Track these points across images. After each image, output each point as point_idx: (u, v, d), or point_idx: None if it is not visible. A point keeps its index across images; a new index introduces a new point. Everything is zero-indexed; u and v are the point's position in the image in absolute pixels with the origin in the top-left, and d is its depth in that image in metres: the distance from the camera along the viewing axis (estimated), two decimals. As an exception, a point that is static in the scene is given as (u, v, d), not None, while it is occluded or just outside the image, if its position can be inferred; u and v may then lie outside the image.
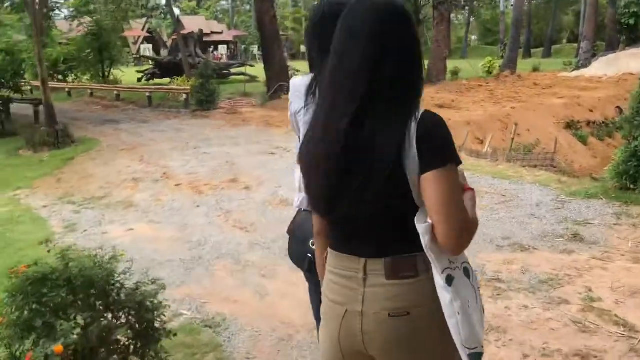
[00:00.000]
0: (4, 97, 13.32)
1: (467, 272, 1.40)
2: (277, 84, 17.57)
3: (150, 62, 24.86)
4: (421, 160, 1.27)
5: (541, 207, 5.81)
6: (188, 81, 16.91)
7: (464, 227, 1.32)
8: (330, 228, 1.49)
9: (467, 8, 47.84)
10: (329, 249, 1.50)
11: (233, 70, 23.29)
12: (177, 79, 18.29)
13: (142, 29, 53.58)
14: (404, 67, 1.35)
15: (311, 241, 1.89)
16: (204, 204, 6.43)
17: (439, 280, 1.33)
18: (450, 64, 23.33)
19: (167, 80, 21.24)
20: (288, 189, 6.71)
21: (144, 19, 63.83)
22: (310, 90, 1.92)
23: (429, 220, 1.31)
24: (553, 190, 6.38)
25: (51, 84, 23.23)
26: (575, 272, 4.16)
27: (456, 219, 1.30)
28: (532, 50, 45.95)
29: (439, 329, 1.35)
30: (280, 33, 57.90)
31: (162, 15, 79.97)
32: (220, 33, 58.17)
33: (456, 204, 1.31)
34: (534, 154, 8.60)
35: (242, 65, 22.88)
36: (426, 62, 21.45)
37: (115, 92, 19.32)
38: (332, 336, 1.46)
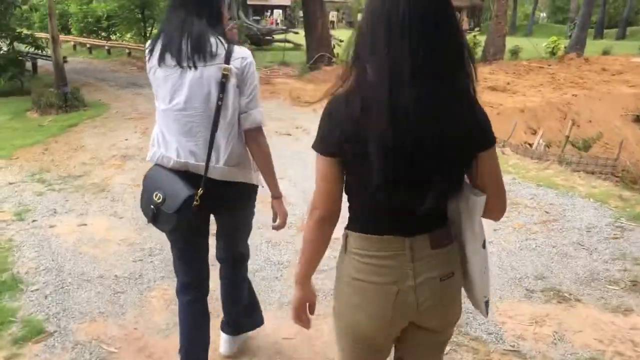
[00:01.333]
0: (11, 53, 12.58)
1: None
2: (317, 54, 16.40)
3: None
4: (483, 138, 1.40)
5: (593, 233, 4.56)
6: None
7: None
8: (369, 212, 1.48)
9: (537, -18, 44.89)
10: (360, 235, 1.49)
11: (276, 37, 22.15)
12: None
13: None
14: None
15: (155, 193, 2.13)
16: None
17: (476, 245, 1.53)
18: (511, 42, 21.43)
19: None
20: (290, 182, 5.67)
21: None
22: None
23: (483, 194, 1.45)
24: (610, 210, 5.08)
25: (91, 41, 22.88)
26: (632, 349, 2.97)
27: (504, 191, 1.50)
28: (605, 31, 42.53)
29: (461, 285, 1.60)
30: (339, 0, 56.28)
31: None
32: (279, -3, 57.17)
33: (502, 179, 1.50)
34: (592, 158, 7.19)
35: (286, 31, 21.67)
36: (483, 39, 19.72)
37: (151, 53, 18.54)
38: (382, 316, 1.50)
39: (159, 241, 4.17)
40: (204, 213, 2.28)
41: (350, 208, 1.51)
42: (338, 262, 1.58)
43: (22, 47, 13.22)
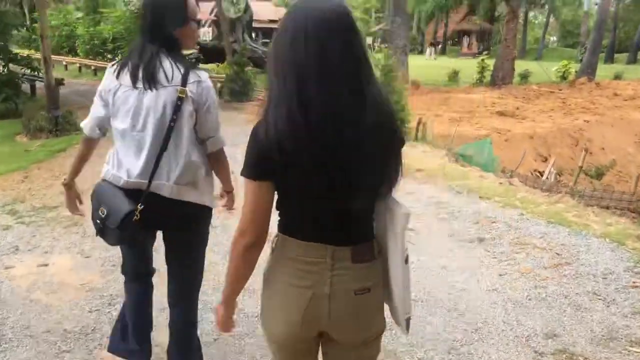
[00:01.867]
0: (4, 74, 12.31)
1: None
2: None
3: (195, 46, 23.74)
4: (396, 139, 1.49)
5: (610, 280, 4.07)
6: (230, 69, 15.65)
7: None
8: (297, 219, 1.54)
9: (546, 6, 44.62)
10: (290, 239, 1.54)
11: (282, 60, 21.87)
12: (219, 66, 17.10)
13: (210, 13, 53.26)
14: None
15: (99, 208, 2.24)
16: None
17: (397, 259, 1.54)
18: (521, 66, 21.09)
19: (212, 66, 20.11)
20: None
21: (213, 2, 63.79)
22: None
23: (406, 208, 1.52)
24: (629, 252, 4.59)
25: (96, 63, 22.72)
26: None
27: None
28: (615, 56, 42.14)
29: (382, 303, 1.62)
30: (347, 23, 56.67)
31: (234, 1, 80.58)
32: (288, 20, 57.32)
33: None
34: (606, 191, 6.71)
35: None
36: (492, 63, 19.35)
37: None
38: (293, 319, 1.54)
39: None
40: (152, 232, 2.51)
41: (279, 214, 1.56)
42: (265, 266, 1.61)
43: (19, 69, 12.98)
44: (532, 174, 9.40)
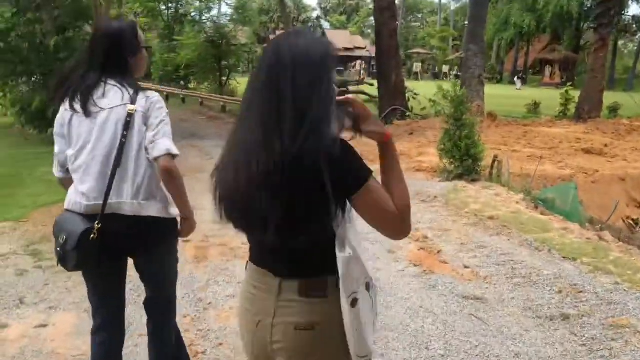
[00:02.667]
0: None
1: (368, 286, 1.57)
2: (390, 107, 15.34)
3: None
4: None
5: None
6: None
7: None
8: (255, 248, 1.62)
9: (638, 34, 41.94)
10: (250, 264, 1.64)
11: (351, 89, 21.37)
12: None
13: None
14: None
15: (60, 236, 2.23)
16: (195, 281, 4.45)
17: (344, 303, 1.48)
18: (609, 98, 19.43)
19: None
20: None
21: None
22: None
23: (349, 252, 1.48)
24: None
25: (169, 90, 23.08)
26: None
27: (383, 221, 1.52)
28: None
29: (339, 342, 1.52)
30: (424, 51, 55.60)
31: (312, 29, 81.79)
32: (363, 48, 57.34)
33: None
34: None
35: (360, 82, 20.83)
36: (577, 95, 17.91)
37: (222, 103, 18.25)
38: (247, 340, 1.64)
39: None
40: (115, 254, 2.35)
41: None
42: None
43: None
44: (624, 221, 8.15)
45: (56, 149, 2.36)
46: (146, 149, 2.27)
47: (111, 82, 2.29)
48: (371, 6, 17.44)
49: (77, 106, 2.25)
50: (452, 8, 65.76)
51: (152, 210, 2.30)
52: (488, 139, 11.17)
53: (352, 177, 1.44)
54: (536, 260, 5.11)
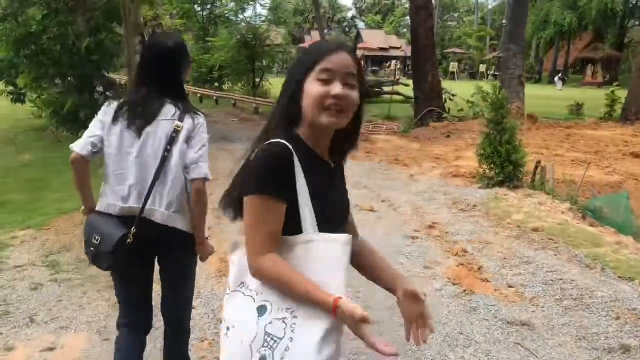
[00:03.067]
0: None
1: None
2: (426, 108, 14.88)
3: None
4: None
5: None
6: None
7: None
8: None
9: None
10: None
11: (386, 89, 20.91)
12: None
13: (322, 42, 53.62)
14: None
15: (94, 236, 2.34)
16: (216, 299, 4.17)
17: None
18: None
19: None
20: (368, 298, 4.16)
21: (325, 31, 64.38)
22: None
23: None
24: None
25: (203, 91, 23.06)
26: None
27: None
28: None
29: None
30: (460, 51, 54.53)
31: (347, 29, 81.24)
32: (399, 48, 56.63)
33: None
34: None
35: (395, 83, 20.34)
36: (623, 95, 17.08)
37: (254, 105, 18.05)
38: None
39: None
40: (144, 257, 2.50)
41: None
42: None
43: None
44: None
45: (92, 132, 2.41)
46: (186, 167, 2.39)
47: (164, 96, 2.40)
48: (407, 6, 17.04)
49: (128, 115, 2.38)
50: (490, 7, 64.42)
51: (180, 223, 2.41)
52: (529, 143, 10.63)
53: (247, 181, 1.47)
54: (588, 280, 4.66)
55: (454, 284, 4.61)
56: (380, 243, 5.52)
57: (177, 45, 2.44)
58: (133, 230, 2.32)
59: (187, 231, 2.44)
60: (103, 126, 2.40)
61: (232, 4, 25.50)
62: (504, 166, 7.89)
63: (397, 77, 22.78)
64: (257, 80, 21.66)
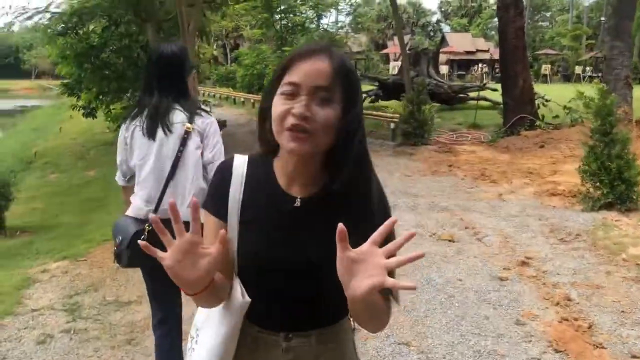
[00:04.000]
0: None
1: None
2: (516, 115, 13.47)
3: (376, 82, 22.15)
4: None
5: None
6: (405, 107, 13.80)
7: None
8: None
9: None
10: None
11: (472, 95, 19.45)
12: (396, 104, 15.38)
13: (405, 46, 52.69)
14: None
15: (117, 237, 2.52)
16: None
17: None
18: None
19: (391, 103, 18.52)
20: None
21: (409, 35, 63.24)
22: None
23: None
24: None
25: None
26: None
27: None
28: None
29: None
30: (553, 52, 51.56)
31: (431, 33, 79.31)
32: (486, 51, 54.38)
33: None
34: None
35: (481, 87, 18.85)
36: None
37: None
38: None
39: None
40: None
41: None
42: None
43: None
44: None
45: (118, 158, 2.64)
46: (204, 167, 2.53)
47: (173, 101, 2.52)
48: (494, 7, 15.64)
49: (142, 122, 2.51)
50: (587, 4, 60.46)
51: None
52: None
53: None
54: None
55: (557, 351, 3.53)
56: (459, 287, 4.52)
57: (180, 50, 2.60)
58: (148, 227, 2.41)
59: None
60: (125, 143, 2.57)
61: (310, 12, 24.99)
62: (613, 185, 6.58)
63: (484, 82, 21.19)
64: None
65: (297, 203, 1.30)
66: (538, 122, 13.47)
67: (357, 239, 1.08)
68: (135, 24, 12.11)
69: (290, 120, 1.18)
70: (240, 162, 1.35)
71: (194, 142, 2.49)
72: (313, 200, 1.30)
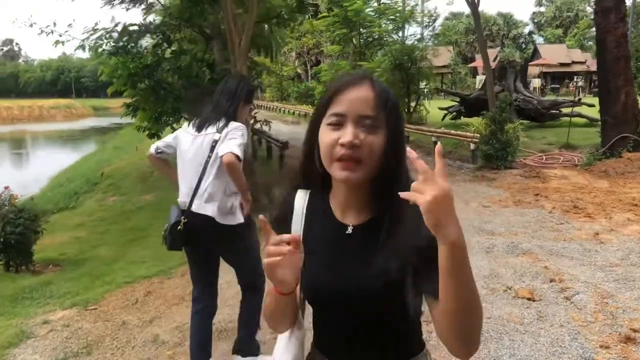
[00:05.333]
0: None
1: None
2: (617, 135, 11.81)
3: (457, 97, 20.67)
4: None
5: None
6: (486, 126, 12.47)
7: None
8: None
9: None
10: None
11: (565, 111, 17.60)
12: (478, 121, 14.03)
13: (494, 60, 50.72)
14: None
15: (165, 225, 3.19)
16: None
17: None
18: None
19: (474, 120, 17.14)
20: None
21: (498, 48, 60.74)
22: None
23: None
24: None
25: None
26: None
27: None
28: None
29: None
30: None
31: (523, 45, 75.85)
32: (583, 63, 51.13)
33: None
34: None
35: (575, 103, 16.96)
36: None
37: (405, 134, 16.18)
38: None
39: None
40: (196, 242, 3.20)
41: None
42: None
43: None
44: None
45: (166, 138, 3.39)
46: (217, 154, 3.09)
47: (217, 118, 3.17)
48: (592, 17, 13.96)
49: (192, 130, 3.20)
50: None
51: (209, 210, 3.08)
52: None
53: None
54: None
55: None
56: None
57: (237, 84, 3.29)
58: (183, 219, 3.08)
59: (231, 223, 3.12)
60: (175, 137, 3.30)
61: (389, 25, 24.01)
62: None
63: (579, 97, 19.19)
64: (412, 104, 19.76)
65: (349, 230, 1.33)
66: (645, 143, 11.72)
67: (405, 262, 1.20)
68: (199, 42, 11.70)
69: (339, 151, 1.22)
70: (301, 196, 1.39)
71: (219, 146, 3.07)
72: (364, 227, 1.32)
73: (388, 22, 23.45)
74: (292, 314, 1.36)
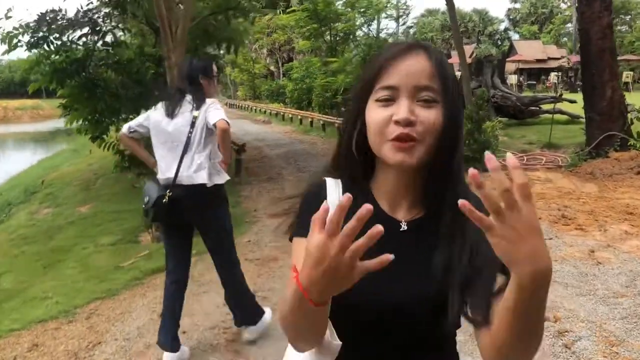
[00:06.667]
0: None
1: None
2: (603, 133, 10.95)
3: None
4: None
5: None
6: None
7: None
8: None
9: None
10: None
11: (545, 107, 16.75)
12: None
13: (470, 56, 50.12)
14: None
15: (145, 198, 3.36)
16: None
17: None
18: None
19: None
20: None
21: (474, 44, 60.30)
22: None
23: None
24: None
25: (323, 117, 20.66)
26: None
27: None
28: None
29: None
30: (634, 58, 47.60)
31: (499, 41, 75.62)
32: (559, 59, 50.96)
33: None
34: None
35: (556, 99, 16.12)
36: None
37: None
38: None
39: None
40: (179, 214, 3.33)
41: None
42: None
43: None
44: None
45: (138, 118, 3.55)
46: (207, 126, 3.34)
47: (187, 97, 3.40)
48: (567, 12, 13.17)
49: (165, 111, 3.38)
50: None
51: (200, 178, 3.30)
52: None
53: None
54: None
55: None
56: None
57: (189, 66, 3.51)
58: (168, 192, 3.27)
59: (207, 182, 3.30)
60: (147, 117, 3.46)
61: (359, 19, 23.02)
62: None
63: (560, 92, 18.40)
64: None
65: (403, 227, 1.15)
66: (632, 141, 10.86)
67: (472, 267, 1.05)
68: (147, 35, 10.55)
69: (393, 130, 1.06)
70: (333, 187, 1.17)
71: (199, 123, 3.33)
72: (420, 222, 1.15)
73: (359, 16, 22.45)
74: (323, 329, 1.04)
